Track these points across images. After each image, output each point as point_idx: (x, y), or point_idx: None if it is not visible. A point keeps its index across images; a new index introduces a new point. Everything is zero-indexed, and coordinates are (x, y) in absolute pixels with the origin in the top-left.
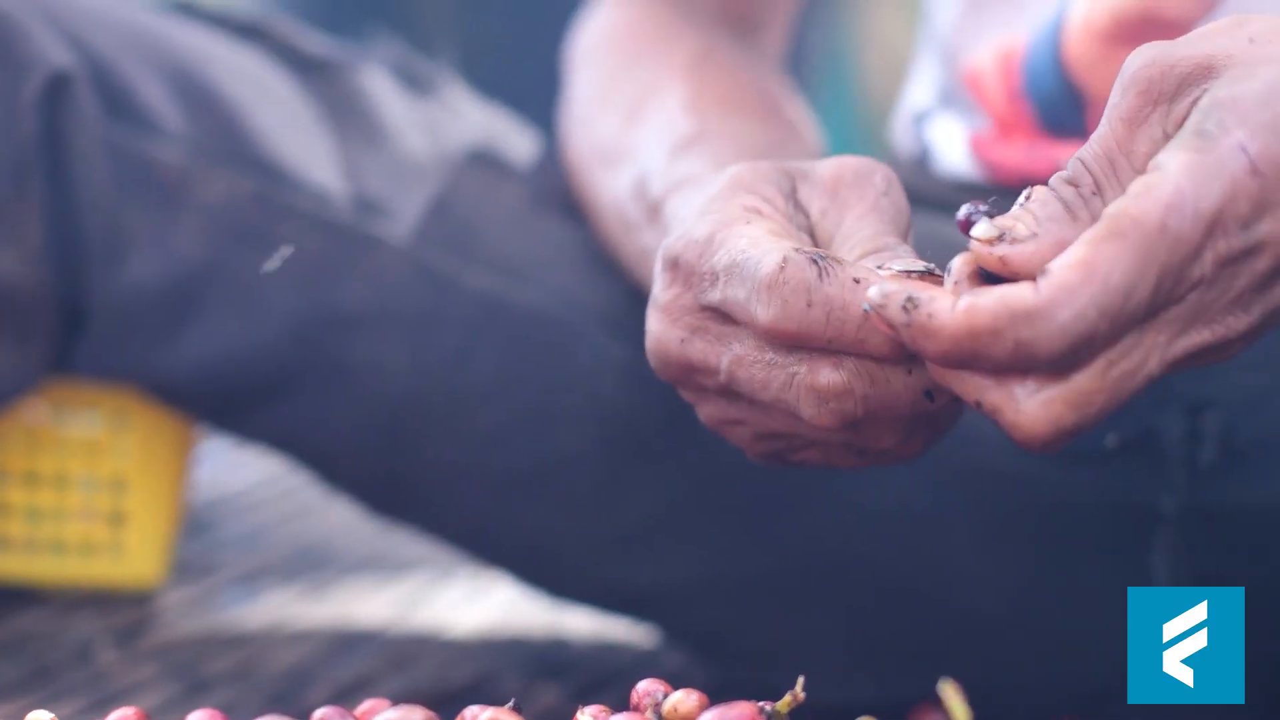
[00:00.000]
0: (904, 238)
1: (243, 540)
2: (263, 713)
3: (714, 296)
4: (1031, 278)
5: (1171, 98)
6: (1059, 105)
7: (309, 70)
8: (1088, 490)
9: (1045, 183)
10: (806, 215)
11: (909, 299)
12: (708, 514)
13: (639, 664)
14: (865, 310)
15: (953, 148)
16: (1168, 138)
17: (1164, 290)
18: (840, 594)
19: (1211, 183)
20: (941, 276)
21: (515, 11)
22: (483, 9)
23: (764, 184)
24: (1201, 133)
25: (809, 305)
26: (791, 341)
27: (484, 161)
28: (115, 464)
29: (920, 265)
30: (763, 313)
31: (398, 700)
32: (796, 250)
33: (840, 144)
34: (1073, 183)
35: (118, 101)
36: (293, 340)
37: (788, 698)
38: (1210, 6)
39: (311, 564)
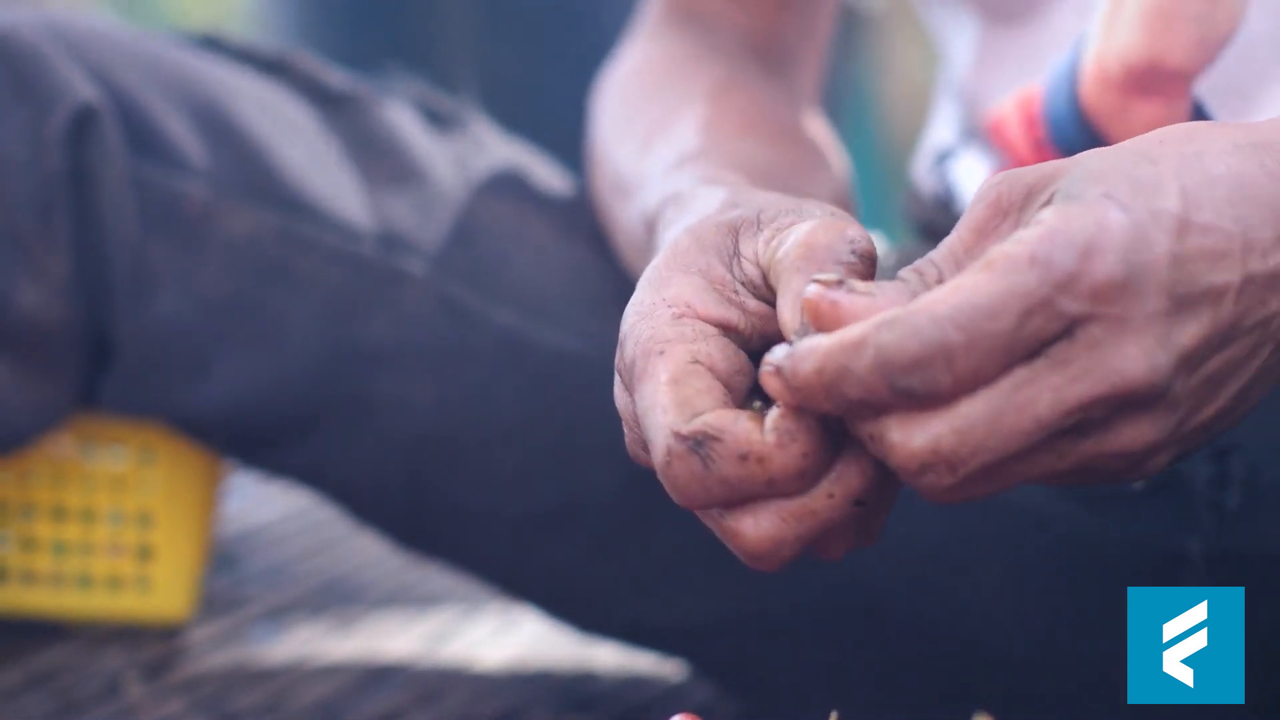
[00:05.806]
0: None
1: (270, 574)
2: None
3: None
4: None
5: (1021, 206)
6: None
7: (333, 105)
8: (1114, 532)
9: None
10: (755, 263)
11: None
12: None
13: (667, 697)
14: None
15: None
16: None
17: (1035, 321)
18: (867, 629)
19: (1084, 218)
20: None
21: (535, 49)
22: (503, 46)
23: (702, 254)
24: (1068, 195)
25: (706, 490)
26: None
27: (512, 190)
28: (142, 498)
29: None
30: (669, 488)
31: None
32: (678, 438)
33: (864, 181)
34: (918, 271)
35: (143, 136)
36: (318, 375)
37: None
38: (1211, 58)
39: (339, 598)
